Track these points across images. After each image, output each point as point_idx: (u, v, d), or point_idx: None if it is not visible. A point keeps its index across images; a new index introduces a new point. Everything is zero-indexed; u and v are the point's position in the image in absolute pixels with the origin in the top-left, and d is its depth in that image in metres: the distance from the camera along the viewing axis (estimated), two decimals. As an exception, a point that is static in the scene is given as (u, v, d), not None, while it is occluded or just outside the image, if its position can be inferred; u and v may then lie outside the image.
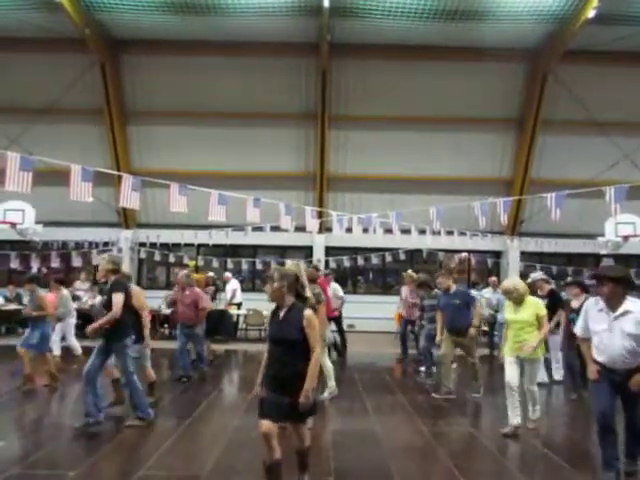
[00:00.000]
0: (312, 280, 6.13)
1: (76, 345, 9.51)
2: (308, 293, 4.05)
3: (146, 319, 6.64)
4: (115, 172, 11.70)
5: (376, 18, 13.25)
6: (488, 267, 16.96)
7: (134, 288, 6.76)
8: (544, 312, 5.93)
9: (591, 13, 12.11)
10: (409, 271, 11.12)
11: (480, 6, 12.68)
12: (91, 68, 14.73)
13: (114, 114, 15.20)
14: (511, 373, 5.88)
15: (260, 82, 14.99)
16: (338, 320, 11.45)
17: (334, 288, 11.44)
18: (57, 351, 9.39)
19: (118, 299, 5.70)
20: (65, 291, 9.42)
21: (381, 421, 6.54)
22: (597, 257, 16.19)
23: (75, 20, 12.95)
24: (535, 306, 5.92)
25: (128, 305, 5.88)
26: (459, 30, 13.58)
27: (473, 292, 12.78)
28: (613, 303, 4.35)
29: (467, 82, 14.95)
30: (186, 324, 8.59)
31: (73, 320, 9.63)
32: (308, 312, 3.83)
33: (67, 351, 9.69)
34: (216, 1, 12.72)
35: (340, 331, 11.60)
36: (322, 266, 15.84)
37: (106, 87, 14.83)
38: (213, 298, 14.23)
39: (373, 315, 12.29)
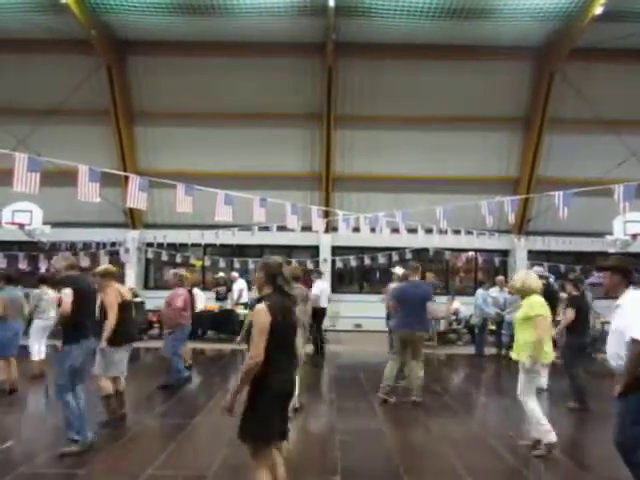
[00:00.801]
0: (295, 278, 5.84)
1: (35, 349, 8.62)
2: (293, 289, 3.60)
3: (111, 320, 5.77)
4: (122, 173, 11.75)
5: (382, 17, 13.22)
6: (495, 266, 16.89)
7: (111, 285, 6.02)
8: (535, 312, 5.24)
9: (598, 10, 12.03)
10: (396, 268, 10.36)
11: (486, 4, 12.62)
12: (97, 69, 14.79)
13: (120, 115, 15.25)
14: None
15: (266, 82, 14.99)
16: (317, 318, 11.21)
17: (317, 287, 11.32)
18: (41, 355, 8.67)
19: (65, 294, 5.05)
20: (37, 291, 8.59)
21: (388, 420, 6.53)
22: (605, 255, 16.05)
23: (81, 22, 13.01)
24: (528, 305, 5.34)
25: (79, 303, 5.08)
26: (465, 29, 13.53)
27: (480, 291, 12.81)
28: (619, 296, 4.01)
29: (473, 81, 14.88)
30: (167, 325, 8.19)
31: (41, 323, 8.58)
32: (257, 306, 3.31)
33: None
34: (221, 2, 12.74)
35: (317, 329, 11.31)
36: (328, 266, 15.88)
37: (112, 88, 14.89)
38: (224, 298, 14.37)
39: (380, 315, 12.26)
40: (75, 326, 5.09)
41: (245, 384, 3.24)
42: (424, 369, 7.43)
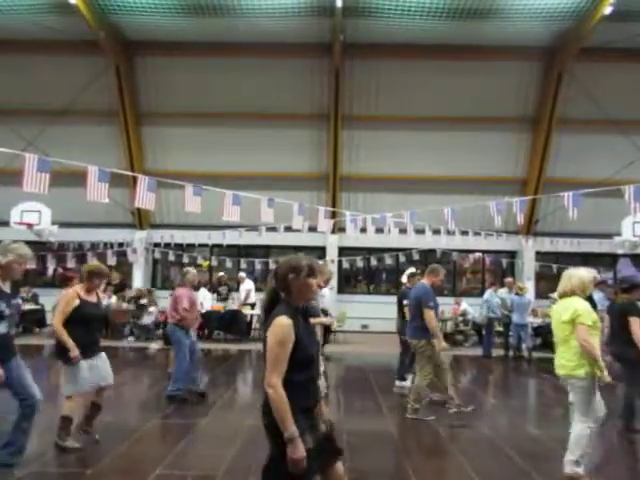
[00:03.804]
0: (325, 280, 5.61)
1: None
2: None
3: (55, 329, 5.02)
4: (130, 173, 11.79)
5: (389, 17, 13.21)
6: (503, 267, 16.82)
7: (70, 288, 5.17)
8: (568, 316, 4.39)
9: (607, 10, 11.98)
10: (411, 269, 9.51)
11: (494, 4, 12.59)
12: (106, 70, 14.86)
13: (129, 115, 15.32)
14: None
15: (273, 83, 15.02)
16: None
17: None
18: None
19: None
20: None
21: (396, 421, 6.50)
22: (614, 257, 16.00)
23: (90, 22, 13.08)
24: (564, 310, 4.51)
25: None
26: (473, 29, 13.50)
27: (489, 291, 12.78)
28: None
29: (481, 81, 14.85)
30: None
31: None
32: (277, 319, 2.60)
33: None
34: (229, 3, 12.77)
35: None
36: (335, 266, 15.85)
37: (120, 89, 14.95)
38: (226, 298, 14.42)
39: (387, 316, 12.21)
40: None
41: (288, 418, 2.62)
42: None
